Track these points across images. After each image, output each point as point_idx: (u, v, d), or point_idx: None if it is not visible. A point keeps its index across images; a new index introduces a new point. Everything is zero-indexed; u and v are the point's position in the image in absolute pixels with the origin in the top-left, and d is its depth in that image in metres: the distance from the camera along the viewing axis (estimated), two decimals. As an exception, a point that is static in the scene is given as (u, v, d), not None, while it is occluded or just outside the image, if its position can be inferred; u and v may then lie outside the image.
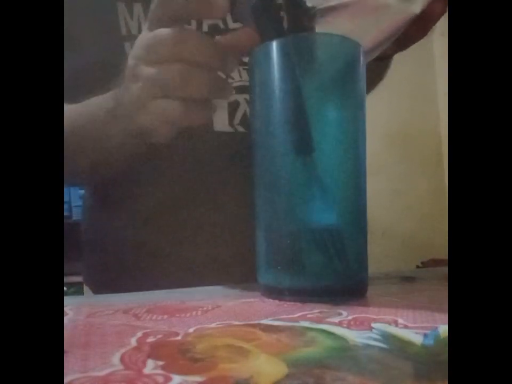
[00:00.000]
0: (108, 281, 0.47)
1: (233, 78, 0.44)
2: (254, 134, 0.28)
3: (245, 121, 0.44)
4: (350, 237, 0.26)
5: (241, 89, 0.44)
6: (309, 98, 0.25)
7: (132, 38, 0.43)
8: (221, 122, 0.44)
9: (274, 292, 0.26)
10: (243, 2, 0.30)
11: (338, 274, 0.25)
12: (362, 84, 0.27)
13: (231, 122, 0.44)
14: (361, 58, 0.27)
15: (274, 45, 0.26)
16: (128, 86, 0.32)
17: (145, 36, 0.30)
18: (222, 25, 0.43)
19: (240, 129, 0.44)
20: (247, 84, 0.29)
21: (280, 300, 0.26)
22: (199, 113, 0.31)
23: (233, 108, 0.44)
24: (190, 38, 0.29)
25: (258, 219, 0.28)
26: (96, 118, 0.37)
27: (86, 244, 0.52)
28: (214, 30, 0.43)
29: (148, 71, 0.30)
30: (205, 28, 0.44)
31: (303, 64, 0.26)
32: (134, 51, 0.31)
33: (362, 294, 0.27)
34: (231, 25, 0.44)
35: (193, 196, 0.44)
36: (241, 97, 0.44)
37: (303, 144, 0.25)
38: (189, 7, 0.29)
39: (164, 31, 0.29)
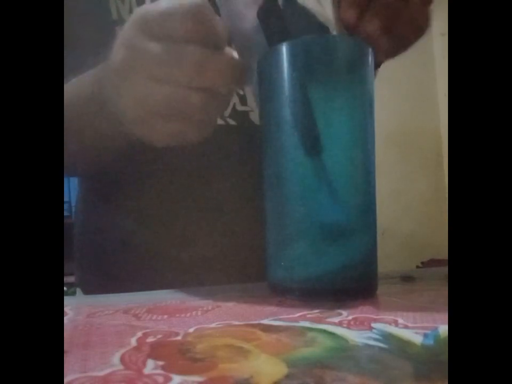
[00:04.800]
0: (101, 282, 0.47)
1: None
2: (263, 135, 0.28)
3: (235, 114, 0.44)
4: (359, 236, 0.26)
5: None
6: (318, 100, 0.26)
7: (123, 22, 0.42)
8: None
9: (284, 291, 0.26)
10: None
11: (348, 273, 0.25)
12: (371, 84, 0.27)
13: (222, 115, 0.44)
14: (370, 59, 0.27)
15: (283, 47, 0.26)
16: (114, 59, 0.28)
17: (155, 7, 0.26)
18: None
19: (231, 122, 0.44)
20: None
21: (289, 299, 0.26)
22: (217, 105, 0.28)
23: None
24: (210, 18, 0.26)
25: (267, 218, 0.28)
26: (74, 103, 0.33)
27: (79, 245, 0.51)
28: None
29: (152, 46, 0.26)
30: None
31: (311, 66, 0.26)
32: (137, 20, 0.27)
33: (371, 294, 0.27)
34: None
35: (188, 192, 0.44)
36: None
37: (312, 144, 0.25)
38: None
39: (180, 5, 0.25)
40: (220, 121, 0.44)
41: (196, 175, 0.44)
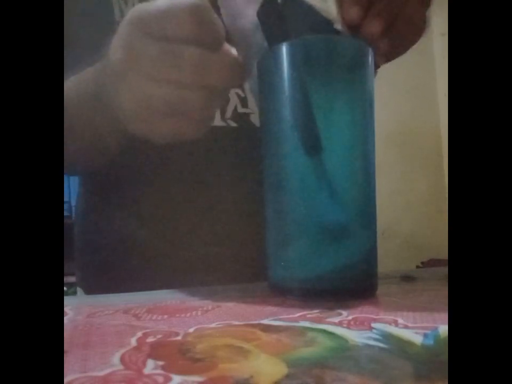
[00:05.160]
0: (101, 282, 0.47)
1: None
2: (263, 135, 0.28)
3: (236, 115, 0.44)
4: (359, 236, 0.26)
5: None
6: (318, 99, 0.26)
7: None
8: None
9: (284, 291, 0.26)
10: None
11: (348, 273, 0.25)
12: (371, 84, 0.27)
13: (223, 117, 0.44)
14: (370, 59, 0.27)
15: (283, 47, 0.26)
16: (112, 58, 0.27)
17: (152, 6, 0.26)
18: None
19: (232, 123, 0.44)
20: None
21: (289, 299, 0.26)
22: (216, 102, 0.28)
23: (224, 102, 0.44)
24: (209, 18, 0.26)
25: (268, 218, 0.28)
26: (74, 100, 0.33)
27: (79, 245, 0.51)
28: None
29: (149, 46, 0.26)
30: None
31: (311, 66, 0.26)
32: (133, 19, 0.27)
33: (371, 294, 0.27)
34: None
35: (189, 193, 0.44)
36: (231, 92, 0.45)
37: (312, 144, 0.25)
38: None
39: (178, 4, 0.25)
40: (221, 123, 0.44)
41: (196, 176, 0.44)
